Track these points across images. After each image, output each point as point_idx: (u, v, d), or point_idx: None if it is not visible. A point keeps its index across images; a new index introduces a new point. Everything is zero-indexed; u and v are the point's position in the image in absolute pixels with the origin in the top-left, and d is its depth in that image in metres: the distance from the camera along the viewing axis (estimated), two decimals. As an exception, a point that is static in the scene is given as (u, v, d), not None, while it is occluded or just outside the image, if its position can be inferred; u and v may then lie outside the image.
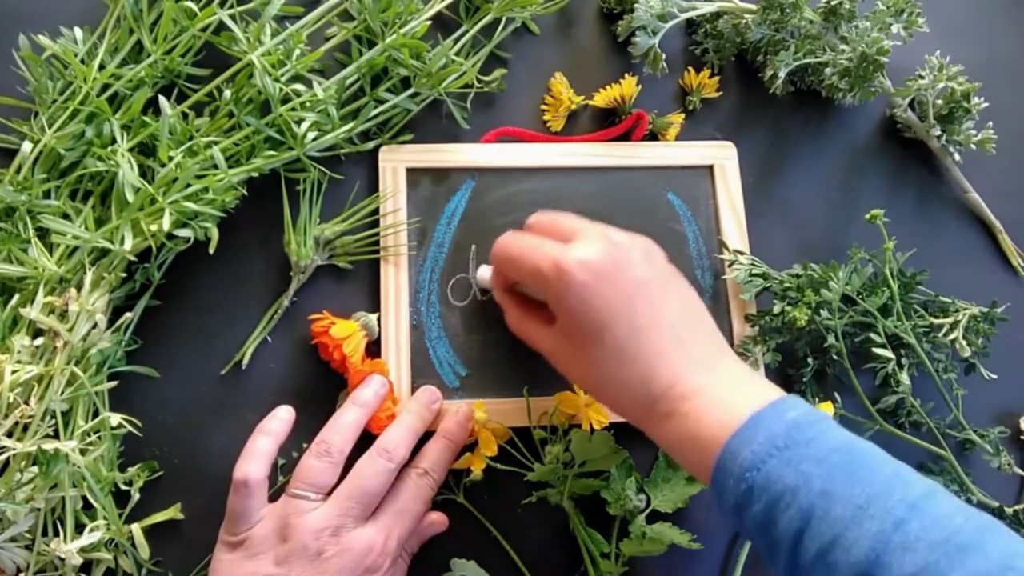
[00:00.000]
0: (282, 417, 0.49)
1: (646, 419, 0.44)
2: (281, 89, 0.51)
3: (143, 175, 0.50)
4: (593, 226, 0.46)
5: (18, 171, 0.51)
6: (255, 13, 0.54)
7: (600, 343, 0.43)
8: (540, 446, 0.51)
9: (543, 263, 0.44)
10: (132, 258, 0.51)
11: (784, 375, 0.58)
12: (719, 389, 0.42)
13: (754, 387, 0.43)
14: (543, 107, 0.61)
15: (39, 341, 0.48)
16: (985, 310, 0.57)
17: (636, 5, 0.58)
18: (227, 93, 0.52)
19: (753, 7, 0.61)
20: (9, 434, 0.46)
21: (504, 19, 0.60)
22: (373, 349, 0.54)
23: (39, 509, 0.47)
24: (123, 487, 0.51)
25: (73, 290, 0.49)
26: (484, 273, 0.55)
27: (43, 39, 0.52)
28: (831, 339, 0.54)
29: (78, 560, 0.47)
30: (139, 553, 0.50)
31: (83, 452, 0.47)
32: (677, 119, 0.61)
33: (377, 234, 0.56)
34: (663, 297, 0.45)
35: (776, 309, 0.55)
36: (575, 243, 0.44)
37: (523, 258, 0.46)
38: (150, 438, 0.52)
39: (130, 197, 0.48)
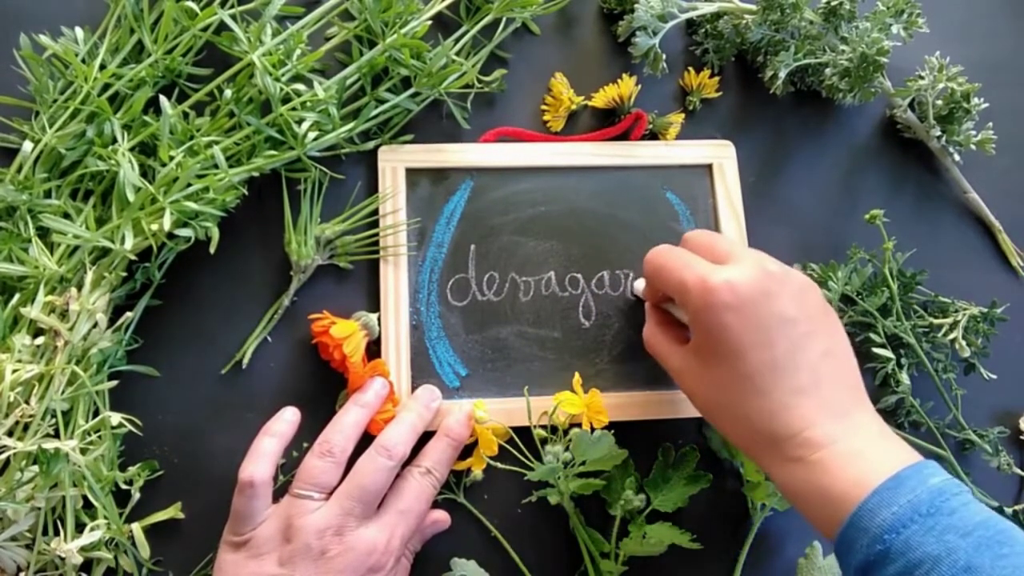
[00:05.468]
0: (287, 419, 0.49)
1: (766, 457, 0.43)
2: (282, 89, 0.51)
3: (144, 175, 0.50)
4: (750, 252, 0.45)
5: (19, 170, 0.51)
6: (256, 13, 0.54)
7: (731, 369, 0.43)
8: (540, 446, 0.52)
9: (689, 278, 0.44)
10: (133, 257, 0.51)
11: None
12: (854, 443, 0.41)
13: (891, 446, 0.41)
14: (543, 107, 0.61)
15: (40, 340, 0.48)
16: (985, 310, 0.57)
17: (636, 5, 0.58)
18: (228, 93, 0.52)
19: (753, 7, 0.61)
20: (10, 433, 0.46)
21: (504, 19, 0.60)
22: (373, 349, 0.54)
23: (39, 508, 0.47)
24: (123, 486, 0.51)
25: (74, 289, 0.49)
26: (640, 285, 0.56)
27: (44, 39, 0.52)
28: (831, 339, 0.54)
29: (78, 559, 0.47)
30: (139, 552, 0.50)
31: (83, 451, 0.47)
32: (677, 119, 0.61)
33: (377, 234, 0.56)
34: (808, 337, 0.43)
35: (776, 309, 0.55)
36: (728, 264, 0.44)
37: (672, 269, 0.46)
38: (150, 437, 0.52)
39: (131, 196, 0.48)
